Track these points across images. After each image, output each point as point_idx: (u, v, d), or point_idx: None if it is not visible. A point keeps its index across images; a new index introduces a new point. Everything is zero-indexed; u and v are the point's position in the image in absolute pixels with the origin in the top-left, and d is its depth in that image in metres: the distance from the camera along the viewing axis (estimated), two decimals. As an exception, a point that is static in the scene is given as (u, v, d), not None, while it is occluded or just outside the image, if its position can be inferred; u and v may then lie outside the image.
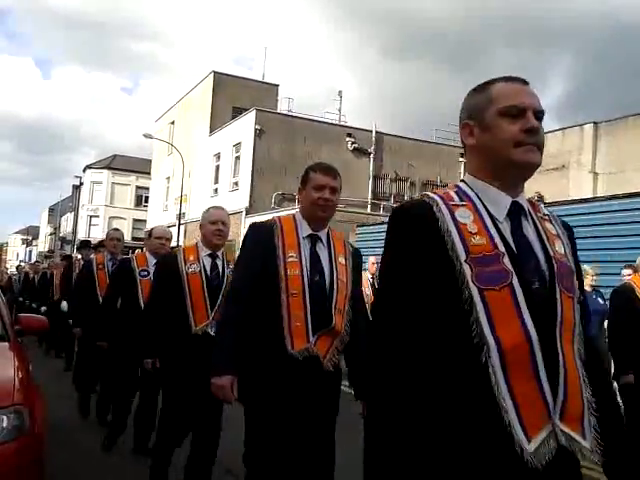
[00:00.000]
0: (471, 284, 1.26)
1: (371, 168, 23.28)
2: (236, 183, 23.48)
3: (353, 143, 22.99)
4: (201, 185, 26.32)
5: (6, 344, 3.56)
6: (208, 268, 3.58)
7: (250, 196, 21.91)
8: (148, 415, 4.46)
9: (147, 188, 38.53)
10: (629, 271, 5.56)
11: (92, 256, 6.05)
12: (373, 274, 8.50)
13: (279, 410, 2.40)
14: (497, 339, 1.23)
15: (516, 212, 1.39)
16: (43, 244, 65.87)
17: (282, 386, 2.40)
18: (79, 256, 8.53)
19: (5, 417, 2.66)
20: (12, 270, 28.79)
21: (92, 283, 5.65)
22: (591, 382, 1.33)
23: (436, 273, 1.29)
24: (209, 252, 3.62)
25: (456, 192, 1.41)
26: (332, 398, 2.57)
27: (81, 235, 42.91)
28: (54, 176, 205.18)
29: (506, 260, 1.29)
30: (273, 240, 2.52)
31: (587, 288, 5.91)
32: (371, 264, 8.65)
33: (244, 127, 22.92)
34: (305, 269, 2.48)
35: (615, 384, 4.31)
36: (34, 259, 42.81)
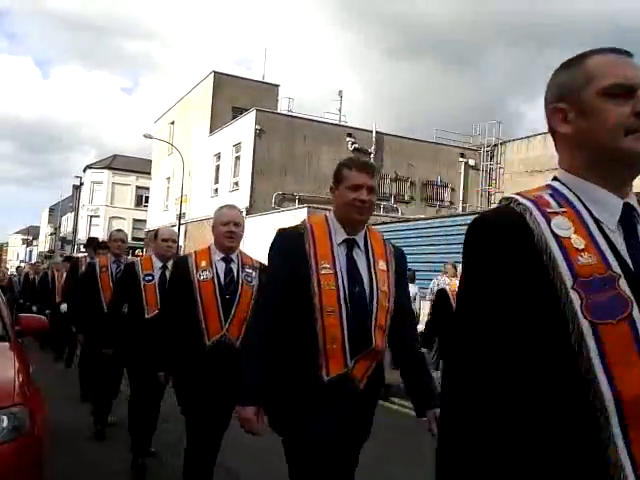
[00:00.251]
0: (581, 317, 1.00)
1: (371, 168, 23.22)
2: (236, 183, 23.49)
3: (353, 143, 22.99)
4: (201, 185, 26.32)
5: (6, 344, 3.55)
6: (222, 274, 3.31)
7: (250, 196, 21.91)
8: (145, 419, 4.33)
9: (147, 188, 38.52)
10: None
11: (95, 259, 5.89)
12: None
13: (318, 442, 2.14)
14: (615, 387, 0.98)
15: (629, 217, 1.11)
16: (43, 244, 65.90)
17: (316, 413, 2.14)
18: (85, 255, 8.18)
19: (5, 417, 2.66)
20: (12, 271, 28.77)
21: (95, 286, 5.46)
22: None
23: (532, 303, 1.03)
24: (222, 256, 3.35)
25: (551, 194, 1.13)
26: (366, 419, 2.33)
27: (81, 235, 42.93)
28: (54, 176, 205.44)
29: (623, 283, 1.02)
30: (304, 248, 2.22)
31: None
32: None
33: (244, 127, 22.92)
34: (341, 281, 2.18)
35: None
36: (34, 259, 42.86)
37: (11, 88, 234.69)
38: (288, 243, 2.27)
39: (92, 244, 7.63)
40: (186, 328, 3.25)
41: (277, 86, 27.50)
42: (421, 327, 7.27)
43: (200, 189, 26.30)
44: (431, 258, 12.28)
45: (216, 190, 25.25)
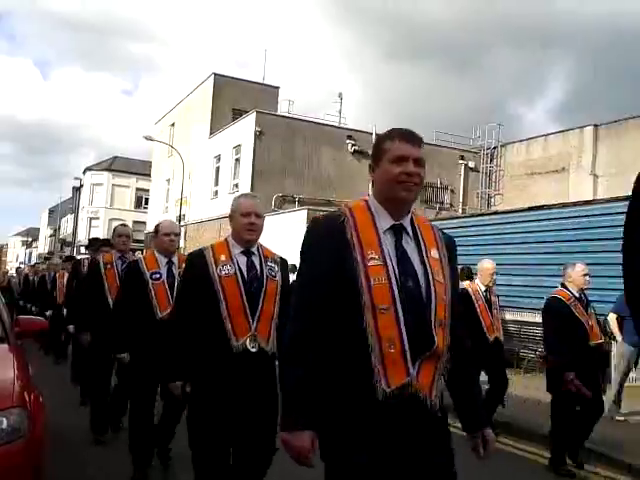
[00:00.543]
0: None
1: (371, 170, 23.24)
2: (236, 185, 23.49)
3: (353, 145, 23.00)
4: (201, 187, 26.33)
5: (5, 346, 3.55)
6: (244, 268, 3.01)
7: (250, 198, 21.86)
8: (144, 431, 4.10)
9: (147, 190, 38.53)
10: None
11: (100, 255, 5.59)
12: (488, 285, 6.76)
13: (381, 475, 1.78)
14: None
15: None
16: (43, 246, 65.90)
17: (378, 442, 1.77)
18: (87, 257, 7.92)
19: (4, 419, 2.65)
20: (12, 272, 28.76)
21: (100, 285, 5.13)
22: None
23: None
24: (242, 249, 3.06)
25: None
26: (444, 452, 1.89)
27: (81, 237, 42.95)
28: (54, 178, 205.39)
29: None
30: (345, 236, 1.89)
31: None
32: (488, 273, 6.82)
33: (244, 129, 22.93)
34: (393, 273, 1.85)
35: None
36: (34, 261, 42.83)
37: (11, 89, 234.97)
38: (327, 231, 1.93)
39: (94, 244, 7.43)
40: (207, 330, 2.93)
41: (277, 88, 27.53)
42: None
43: (200, 191, 26.31)
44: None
45: (216, 192, 25.26)
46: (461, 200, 25.17)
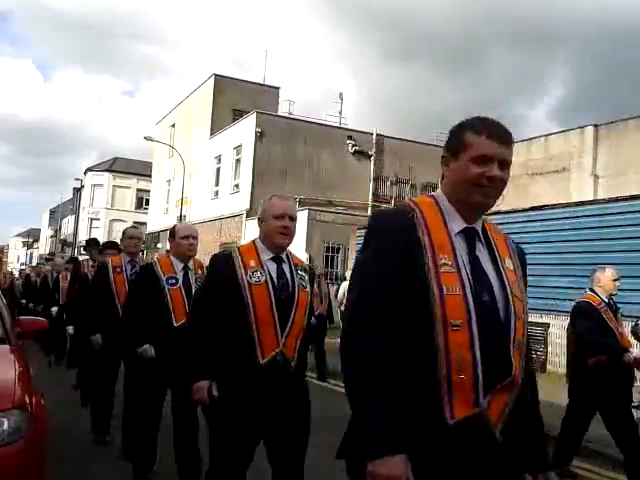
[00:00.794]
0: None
1: (372, 170, 23.28)
2: (237, 185, 23.50)
3: (354, 145, 23.00)
4: (202, 188, 26.33)
5: (6, 347, 3.55)
6: (274, 275, 2.74)
7: (250, 199, 21.91)
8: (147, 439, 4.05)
9: (148, 191, 38.54)
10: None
11: (107, 258, 5.38)
12: None
13: None
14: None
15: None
16: (44, 247, 65.89)
17: (439, 471, 1.53)
18: (87, 258, 7.77)
19: (5, 420, 2.65)
20: (15, 273, 28.79)
21: (108, 290, 4.88)
22: None
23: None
24: (272, 255, 2.78)
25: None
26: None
27: (82, 238, 42.91)
28: (55, 179, 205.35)
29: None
30: (415, 234, 1.59)
31: None
32: None
33: (245, 130, 22.94)
34: (468, 284, 1.56)
35: None
36: (35, 262, 42.81)
37: (12, 91, 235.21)
38: (397, 226, 1.61)
39: (92, 244, 7.32)
40: (230, 341, 2.66)
41: (277, 89, 27.54)
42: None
43: (201, 191, 26.32)
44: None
45: (216, 193, 25.27)
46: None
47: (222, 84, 26.71)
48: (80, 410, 6.15)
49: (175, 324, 3.76)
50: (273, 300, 2.66)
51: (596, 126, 20.46)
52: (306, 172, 22.50)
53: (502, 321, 1.59)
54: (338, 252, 19.44)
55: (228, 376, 2.64)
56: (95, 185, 46.56)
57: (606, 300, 4.83)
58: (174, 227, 4.16)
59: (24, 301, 12.76)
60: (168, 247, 4.22)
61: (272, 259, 2.78)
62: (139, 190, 45.57)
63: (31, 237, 74.62)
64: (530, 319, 10.18)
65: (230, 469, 2.65)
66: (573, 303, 5.07)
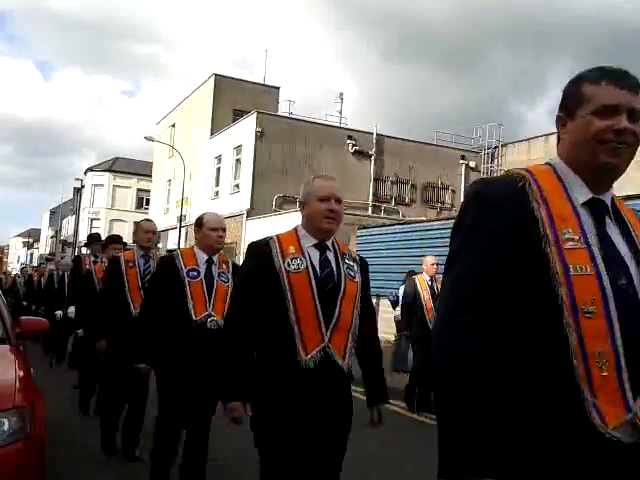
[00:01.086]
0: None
1: (372, 170, 23.30)
2: (237, 185, 23.51)
3: (354, 145, 23.01)
4: (202, 187, 26.35)
5: (7, 347, 3.55)
6: (317, 264, 2.46)
7: (251, 199, 21.93)
8: (136, 423, 4.50)
9: (148, 191, 38.58)
10: None
11: (119, 253, 5.08)
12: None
13: None
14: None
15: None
16: (44, 247, 65.93)
17: None
18: (88, 253, 7.42)
19: (6, 420, 2.65)
20: (16, 272, 28.77)
21: (121, 286, 4.61)
22: None
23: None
24: (315, 241, 2.50)
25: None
26: None
27: (82, 238, 42.92)
28: (55, 179, 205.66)
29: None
30: (527, 207, 1.33)
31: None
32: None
33: (245, 130, 22.95)
34: (599, 263, 1.29)
35: None
36: (35, 262, 42.81)
37: (12, 91, 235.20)
38: (502, 196, 1.36)
39: (94, 241, 7.12)
40: (268, 337, 2.41)
41: (278, 88, 27.57)
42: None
43: (201, 191, 26.33)
44: (432, 260, 12.26)
45: (217, 192, 25.29)
46: (462, 200, 24.97)
47: (222, 84, 26.72)
48: (80, 410, 6.16)
49: (195, 318, 3.55)
50: (315, 290, 2.38)
51: (596, 126, 20.42)
52: (306, 172, 22.47)
53: None
54: (338, 252, 19.41)
55: (268, 380, 2.37)
56: (95, 185, 46.59)
57: None
58: (202, 217, 3.82)
59: (25, 303, 12.67)
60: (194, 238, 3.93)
61: (315, 246, 2.50)
62: (139, 190, 45.59)
63: (31, 237, 74.65)
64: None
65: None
66: None
